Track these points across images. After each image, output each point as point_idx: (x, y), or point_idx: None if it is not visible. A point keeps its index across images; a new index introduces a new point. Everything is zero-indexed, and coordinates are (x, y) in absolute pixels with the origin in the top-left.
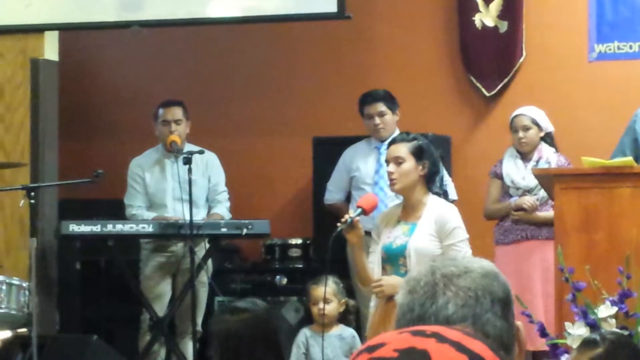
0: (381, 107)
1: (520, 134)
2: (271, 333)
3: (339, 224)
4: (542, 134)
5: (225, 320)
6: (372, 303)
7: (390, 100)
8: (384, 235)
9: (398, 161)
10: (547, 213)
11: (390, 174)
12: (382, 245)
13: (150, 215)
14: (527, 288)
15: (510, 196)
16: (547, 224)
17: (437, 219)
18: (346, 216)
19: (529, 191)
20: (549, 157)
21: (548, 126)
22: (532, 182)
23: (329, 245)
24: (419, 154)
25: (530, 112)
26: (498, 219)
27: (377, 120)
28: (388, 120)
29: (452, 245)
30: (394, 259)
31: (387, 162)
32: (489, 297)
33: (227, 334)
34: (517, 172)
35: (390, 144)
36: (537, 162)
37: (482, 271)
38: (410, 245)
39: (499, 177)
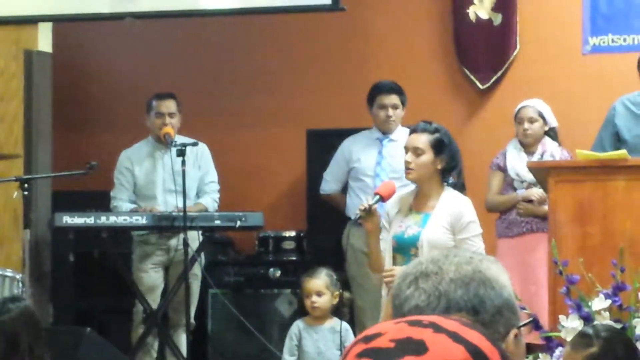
0: (395, 99)
1: (526, 125)
2: (39, 323)
3: (357, 211)
4: (546, 128)
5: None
6: (384, 292)
7: (403, 94)
8: (394, 224)
9: (417, 152)
10: None
11: (407, 163)
12: (393, 234)
13: (129, 207)
14: (532, 280)
15: (514, 189)
16: None
17: (452, 212)
18: (364, 203)
19: (534, 184)
20: (553, 151)
21: (552, 121)
22: None
23: (346, 233)
24: (438, 147)
25: (536, 104)
26: (500, 211)
27: (390, 112)
28: (399, 114)
29: (466, 239)
30: (405, 249)
31: (406, 149)
32: (445, 304)
33: (4, 331)
34: (522, 164)
35: (411, 132)
36: (542, 155)
37: (453, 275)
38: (423, 236)
39: (502, 169)
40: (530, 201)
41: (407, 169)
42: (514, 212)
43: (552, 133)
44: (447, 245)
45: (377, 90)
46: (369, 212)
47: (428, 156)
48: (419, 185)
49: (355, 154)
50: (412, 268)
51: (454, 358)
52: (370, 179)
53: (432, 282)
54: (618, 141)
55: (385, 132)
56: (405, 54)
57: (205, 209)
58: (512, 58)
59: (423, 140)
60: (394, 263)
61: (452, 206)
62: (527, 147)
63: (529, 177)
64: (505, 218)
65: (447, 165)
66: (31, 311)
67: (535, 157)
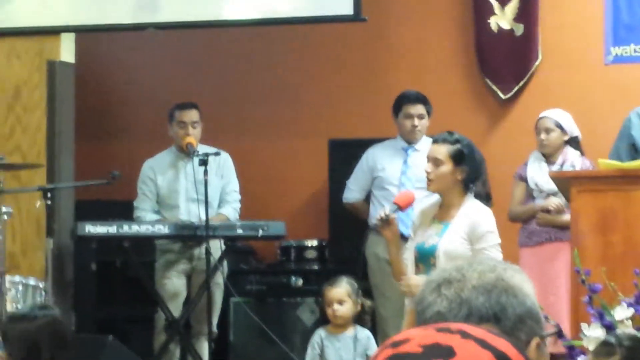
0: (422, 109)
1: (543, 135)
2: (66, 334)
3: (375, 220)
4: (566, 137)
5: (24, 327)
6: (407, 301)
7: (429, 105)
8: (418, 233)
9: (436, 163)
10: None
11: (427, 173)
12: (415, 244)
13: (153, 217)
14: (551, 290)
15: (534, 199)
16: None
17: (470, 222)
18: (382, 212)
19: (553, 194)
20: (573, 160)
21: (573, 130)
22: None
23: (364, 241)
24: (458, 158)
25: (554, 114)
26: (522, 221)
27: (416, 121)
28: (424, 124)
29: (483, 249)
30: (425, 259)
31: (427, 159)
32: (466, 311)
33: (27, 339)
34: (541, 175)
35: (433, 142)
36: (562, 165)
37: (476, 282)
38: (440, 246)
39: (524, 179)
40: (548, 211)
41: (428, 179)
42: (534, 221)
43: (573, 143)
44: (464, 256)
45: (404, 100)
46: (386, 222)
47: (447, 167)
48: (441, 195)
49: (380, 162)
50: (436, 275)
51: None
52: (396, 188)
53: (455, 289)
54: (635, 152)
55: (411, 141)
56: (427, 64)
57: (226, 219)
58: (533, 68)
59: (443, 151)
60: (417, 272)
61: (470, 216)
62: (548, 157)
63: (547, 187)
64: (526, 228)
65: (468, 176)
66: (58, 322)
67: (556, 167)
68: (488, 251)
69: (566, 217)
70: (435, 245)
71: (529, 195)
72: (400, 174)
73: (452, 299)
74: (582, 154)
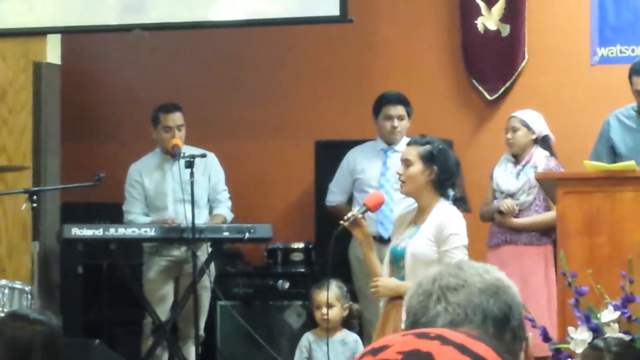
0: (401, 110)
1: (509, 134)
2: (59, 347)
3: (341, 222)
4: (533, 137)
5: (20, 328)
6: (381, 304)
7: (409, 105)
8: (395, 237)
9: (407, 164)
10: (523, 220)
11: (398, 175)
12: (390, 247)
13: (146, 220)
14: None
15: (496, 199)
16: (526, 229)
17: (437, 224)
18: (350, 214)
19: (511, 195)
20: (537, 161)
21: (542, 129)
22: (514, 186)
23: (330, 243)
24: (428, 158)
25: (522, 114)
26: (486, 221)
27: (396, 122)
28: (404, 125)
29: (447, 251)
30: (397, 261)
31: (400, 162)
32: (481, 315)
33: (20, 341)
34: (503, 175)
35: (407, 145)
36: (524, 166)
37: (481, 286)
38: (408, 249)
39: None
40: (501, 212)
41: (400, 181)
42: (494, 223)
43: (543, 143)
44: (430, 258)
45: (384, 101)
46: (353, 223)
47: (417, 167)
48: (414, 198)
49: (360, 165)
50: (428, 285)
51: None
52: (375, 190)
53: (464, 294)
54: (614, 154)
55: (390, 143)
56: (413, 65)
57: (225, 220)
58: (520, 69)
59: (413, 152)
60: (391, 275)
61: (438, 219)
62: (517, 157)
63: (506, 188)
64: (491, 228)
65: (438, 176)
66: (56, 332)
67: (518, 168)
68: (452, 253)
69: (517, 220)
70: (405, 248)
71: (495, 195)
72: (379, 176)
73: (465, 305)
74: (552, 154)
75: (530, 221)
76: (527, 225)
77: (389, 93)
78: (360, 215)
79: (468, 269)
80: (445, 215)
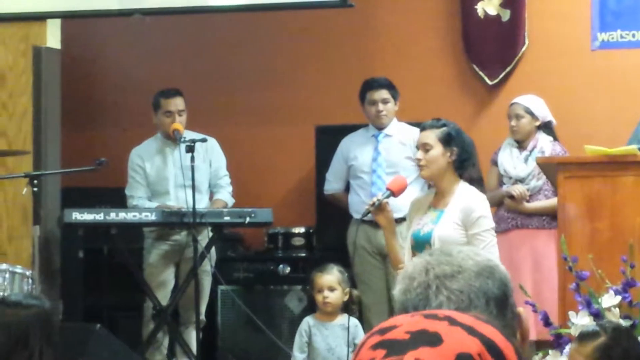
0: (385, 94)
1: (513, 122)
2: (55, 329)
3: (367, 206)
4: (537, 123)
5: (14, 314)
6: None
7: (393, 89)
8: (414, 222)
9: (426, 148)
10: (535, 204)
11: (418, 160)
12: (411, 232)
13: (151, 205)
14: (517, 277)
15: (504, 184)
16: (538, 213)
17: (464, 208)
18: (374, 198)
19: (520, 180)
20: (543, 146)
21: (546, 115)
22: (523, 171)
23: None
24: (447, 140)
25: (525, 100)
26: (493, 206)
27: (380, 106)
28: (390, 108)
29: (477, 234)
30: (421, 246)
31: (417, 148)
32: (484, 299)
33: (16, 327)
34: (510, 161)
35: (420, 131)
36: (531, 151)
37: (477, 269)
38: (434, 233)
39: (496, 165)
40: (512, 197)
41: (420, 166)
42: (502, 208)
43: (546, 128)
44: (459, 241)
45: (367, 87)
46: (378, 207)
47: (437, 150)
48: (435, 182)
49: (352, 152)
50: (424, 276)
51: (469, 350)
52: (368, 175)
53: (463, 280)
54: None
55: (379, 127)
56: (414, 50)
57: (225, 204)
58: (520, 54)
59: (431, 135)
60: None
61: (464, 202)
62: (520, 143)
63: (514, 173)
64: (496, 213)
65: (459, 157)
66: (50, 315)
67: (526, 153)
68: (481, 236)
69: (530, 205)
70: (431, 232)
71: (501, 180)
72: (371, 161)
73: (468, 290)
74: (555, 138)
75: (542, 205)
76: (540, 209)
77: (371, 79)
78: (385, 200)
79: (457, 253)
80: (471, 197)
